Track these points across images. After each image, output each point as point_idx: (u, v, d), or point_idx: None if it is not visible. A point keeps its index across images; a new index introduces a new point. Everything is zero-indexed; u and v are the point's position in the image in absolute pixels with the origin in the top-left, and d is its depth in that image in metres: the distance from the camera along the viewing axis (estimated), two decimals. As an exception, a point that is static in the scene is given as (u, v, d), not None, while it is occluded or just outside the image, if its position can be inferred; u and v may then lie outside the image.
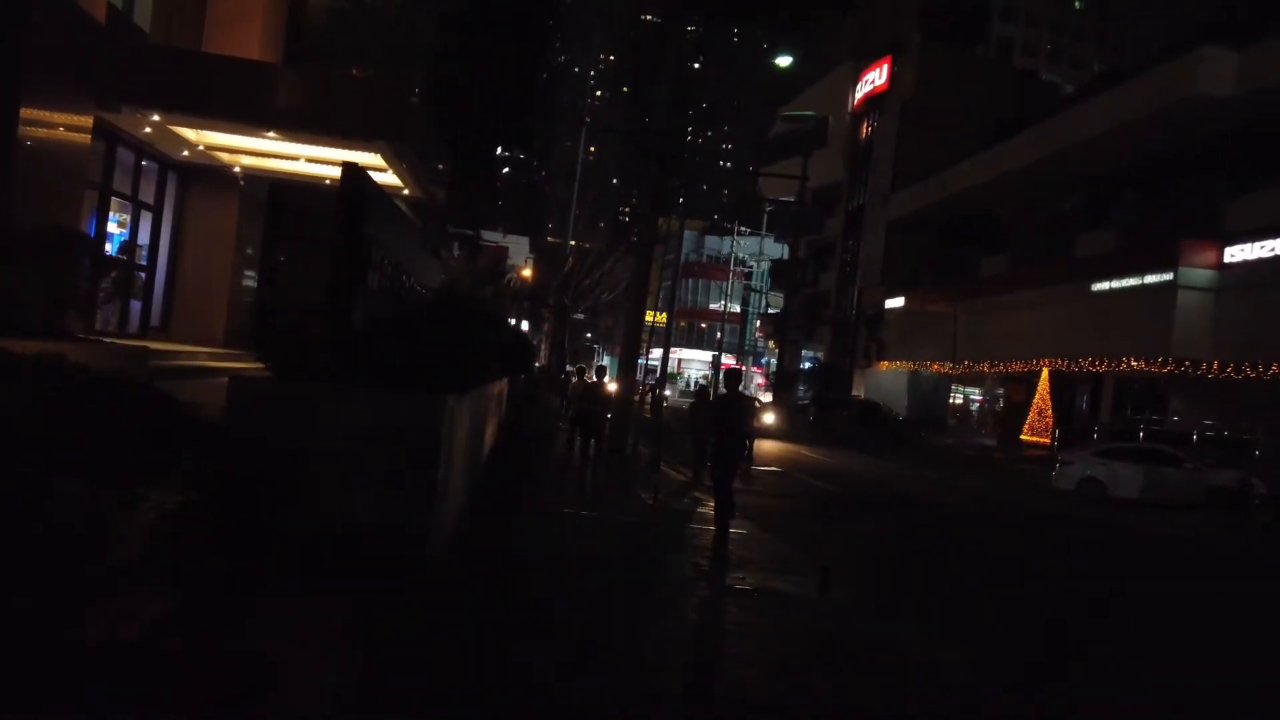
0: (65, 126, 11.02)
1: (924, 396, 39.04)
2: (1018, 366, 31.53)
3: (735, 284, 58.80)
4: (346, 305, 6.69)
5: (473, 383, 8.13)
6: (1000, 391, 37.81)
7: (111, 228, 14.89)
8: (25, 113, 9.96)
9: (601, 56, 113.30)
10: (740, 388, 10.54)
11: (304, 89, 13.17)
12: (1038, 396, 32.53)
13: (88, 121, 11.50)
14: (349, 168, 6.71)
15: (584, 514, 10.62)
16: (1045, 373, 31.95)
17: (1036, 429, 32.60)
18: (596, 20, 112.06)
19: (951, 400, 39.97)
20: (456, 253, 47.20)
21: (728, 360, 58.53)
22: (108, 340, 10.67)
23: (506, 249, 59.65)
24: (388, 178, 15.15)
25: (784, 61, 35.17)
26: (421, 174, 15.37)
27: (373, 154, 13.61)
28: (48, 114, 10.57)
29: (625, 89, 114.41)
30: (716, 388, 51.00)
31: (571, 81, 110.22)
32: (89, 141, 11.58)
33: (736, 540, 9.54)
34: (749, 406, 10.09)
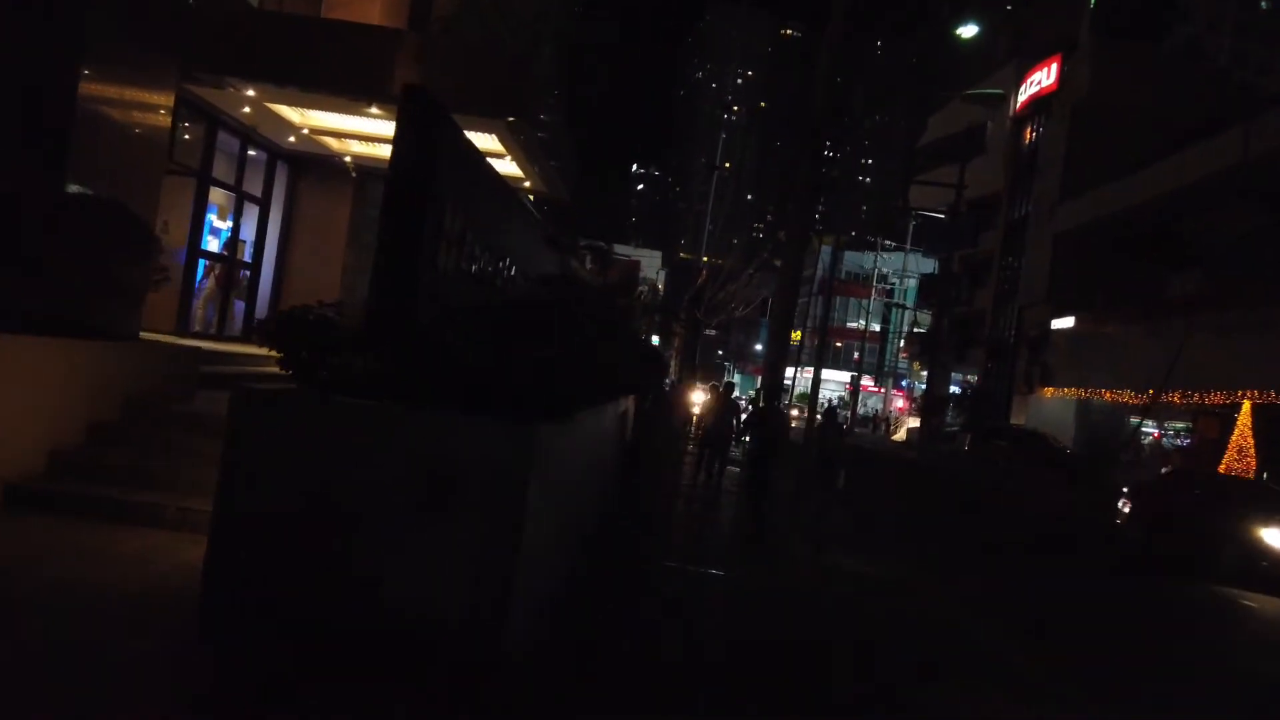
0: (141, 99, 9.57)
1: (1094, 428, 34.65)
2: (1217, 398, 27.13)
3: (875, 302, 55.21)
4: (403, 290, 4.60)
5: (584, 403, 5.93)
6: (1182, 425, 33.14)
7: (214, 220, 13.64)
8: (87, 85, 8.46)
9: (739, 71, 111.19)
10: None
11: (411, 57, 11.42)
12: (1237, 433, 27.92)
13: (169, 95, 10.03)
14: (411, 93, 4.63)
15: (721, 576, 8.25)
16: (1247, 406, 27.38)
17: (1235, 471, 28.00)
18: (735, 36, 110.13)
19: (1140, 434, 35.40)
20: (589, 265, 45.93)
21: (866, 382, 54.90)
22: (165, 341, 9.08)
23: (639, 262, 58.13)
24: (508, 166, 13.30)
25: (968, 32, 31.75)
26: (544, 164, 13.43)
27: (489, 135, 11.74)
28: (118, 83, 9.10)
29: (762, 104, 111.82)
30: (852, 409, 47.52)
31: (708, 96, 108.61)
32: (168, 118, 10.12)
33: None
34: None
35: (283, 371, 4.68)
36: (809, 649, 6.20)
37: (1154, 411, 33.07)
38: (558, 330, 5.04)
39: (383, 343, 4.56)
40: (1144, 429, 35.69)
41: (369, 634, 4.27)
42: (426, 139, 4.62)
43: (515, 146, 12.11)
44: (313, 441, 4.39)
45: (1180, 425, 34.31)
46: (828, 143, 14.10)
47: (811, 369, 43.11)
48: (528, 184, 14.06)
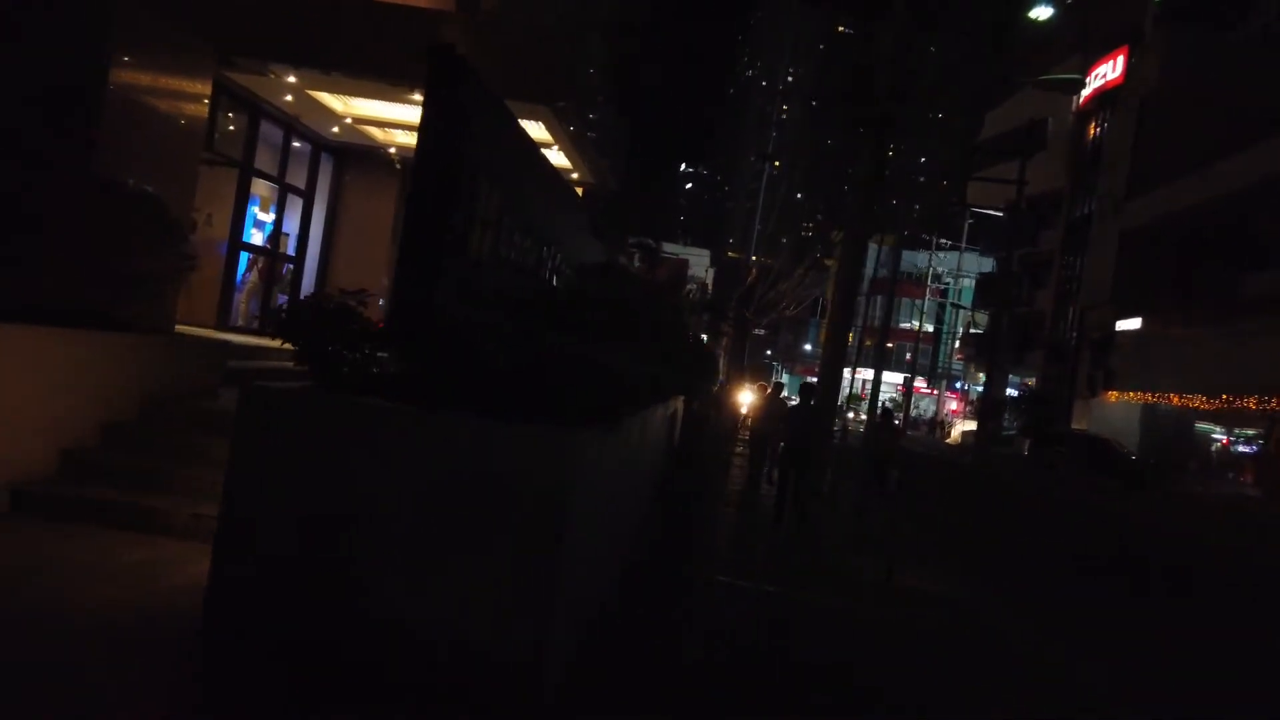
0: (176, 85, 9.17)
1: (1160, 434, 33.10)
2: (1296, 404, 25.63)
3: (929, 302, 53.78)
4: (428, 278, 4.02)
5: (631, 407, 5.31)
6: (1253, 432, 31.49)
7: (257, 213, 13.30)
8: (118, 70, 8.05)
9: (791, 69, 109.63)
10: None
11: (457, 40, 10.89)
12: (1317, 441, 26.44)
13: (205, 80, 9.63)
14: (437, 53, 4.05)
15: (778, 595, 7.56)
16: (1329, 413, 25.90)
17: (1314, 481, 26.49)
18: (786, 33, 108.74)
19: (1210, 440, 33.79)
20: (637, 263, 45.29)
21: (918, 383, 53.55)
22: (194, 334, 8.66)
23: (687, 261, 57.40)
24: (556, 157, 12.73)
25: (1043, 13, 30.43)
26: (592, 154, 12.83)
27: (536, 122, 11.18)
28: (151, 68, 8.69)
29: (814, 103, 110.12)
30: (904, 410, 46.31)
31: (758, 95, 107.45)
32: (205, 105, 9.71)
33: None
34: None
35: (298, 368, 4.13)
36: (890, 693, 5.50)
37: (1223, 417, 31.49)
38: (604, 329, 4.43)
39: (406, 337, 3.99)
40: (1211, 435, 34.07)
41: (384, 665, 3.70)
42: (455, 104, 4.03)
43: (562, 135, 11.53)
44: (325, 447, 3.83)
45: (1250, 432, 32.68)
46: (890, 127, 13.22)
47: (862, 370, 41.90)
48: (576, 175, 13.49)
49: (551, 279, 5.96)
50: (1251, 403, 26.53)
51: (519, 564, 3.68)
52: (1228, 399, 27.54)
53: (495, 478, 3.71)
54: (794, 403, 16.17)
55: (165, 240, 6.65)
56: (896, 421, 15.01)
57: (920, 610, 7.78)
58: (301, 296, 14.10)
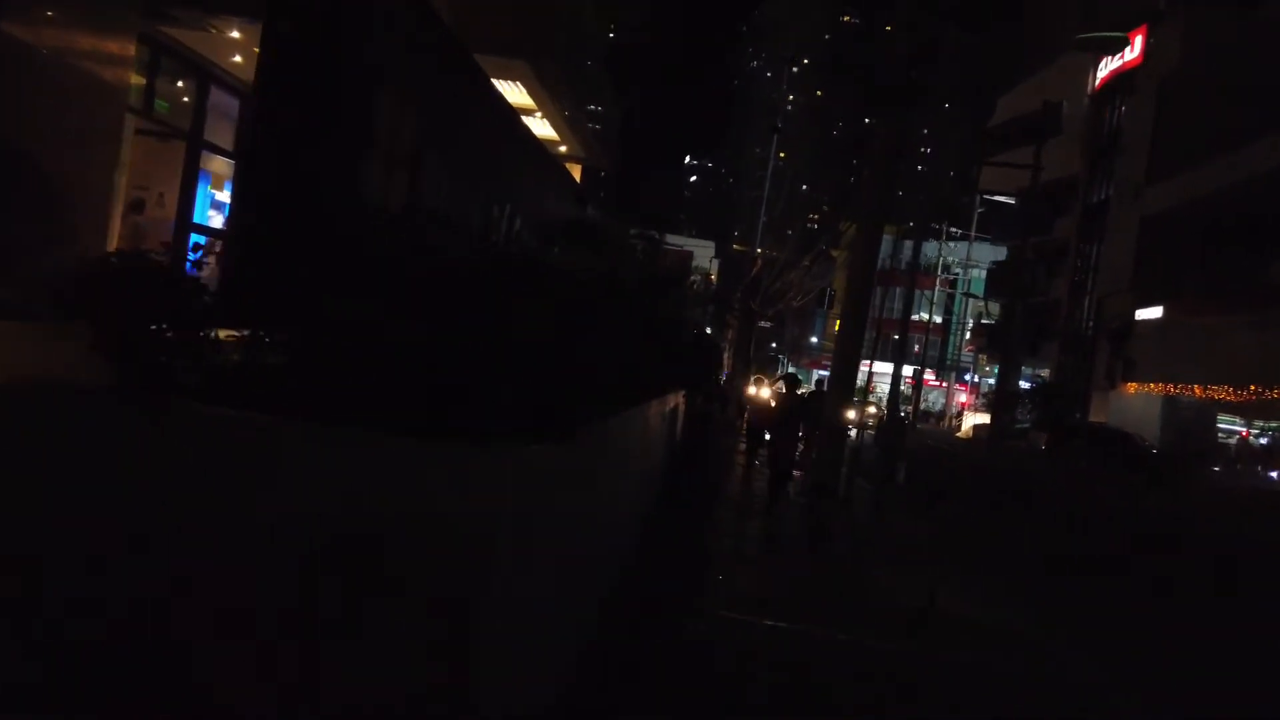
0: (90, 38, 7.82)
1: (1182, 426, 31.61)
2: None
3: (939, 293, 52.28)
4: (283, 231, 2.67)
5: (604, 407, 3.97)
6: (1273, 424, 30.02)
7: (212, 191, 11.96)
8: (9, 23, 6.68)
9: (796, 60, 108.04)
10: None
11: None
12: (1352, 434, 24.95)
13: (128, 35, 8.25)
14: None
15: (801, 633, 6.21)
16: (1363, 405, 24.42)
17: (1350, 475, 25.02)
18: (791, 23, 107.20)
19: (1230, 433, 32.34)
20: (640, 255, 43.90)
21: (927, 375, 52.05)
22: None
23: (691, 253, 56.02)
24: (541, 128, 11.39)
25: None
26: (581, 122, 11.47)
27: (515, 84, 9.84)
28: (58, 19, 7.33)
29: (819, 93, 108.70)
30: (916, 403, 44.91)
31: (763, 86, 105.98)
32: (130, 63, 8.34)
33: None
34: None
35: (101, 356, 2.79)
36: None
37: (1251, 409, 30.02)
38: (572, 309, 3.10)
39: (251, 315, 2.66)
40: (1230, 427, 32.59)
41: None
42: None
43: (545, 98, 10.18)
44: (127, 473, 2.52)
45: (1268, 426, 31.18)
46: (914, 97, 11.86)
47: (873, 363, 40.46)
48: (564, 149, 12.15)
49: (505, 244, 4.62)
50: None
51: (426, 640, 2.36)
52: (1257, 390, 26.06)
53: (388, 518, 2.40)
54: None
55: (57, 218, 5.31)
56: (903, 415, 14.82)
57: (977, 648, 6.43)
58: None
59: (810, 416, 12.70)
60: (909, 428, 28.07)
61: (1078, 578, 10.18)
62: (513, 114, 5.37)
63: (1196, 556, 13.39)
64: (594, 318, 3.17)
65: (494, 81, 10.05)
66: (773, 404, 13.81)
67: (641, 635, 5.43)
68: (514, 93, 10.07)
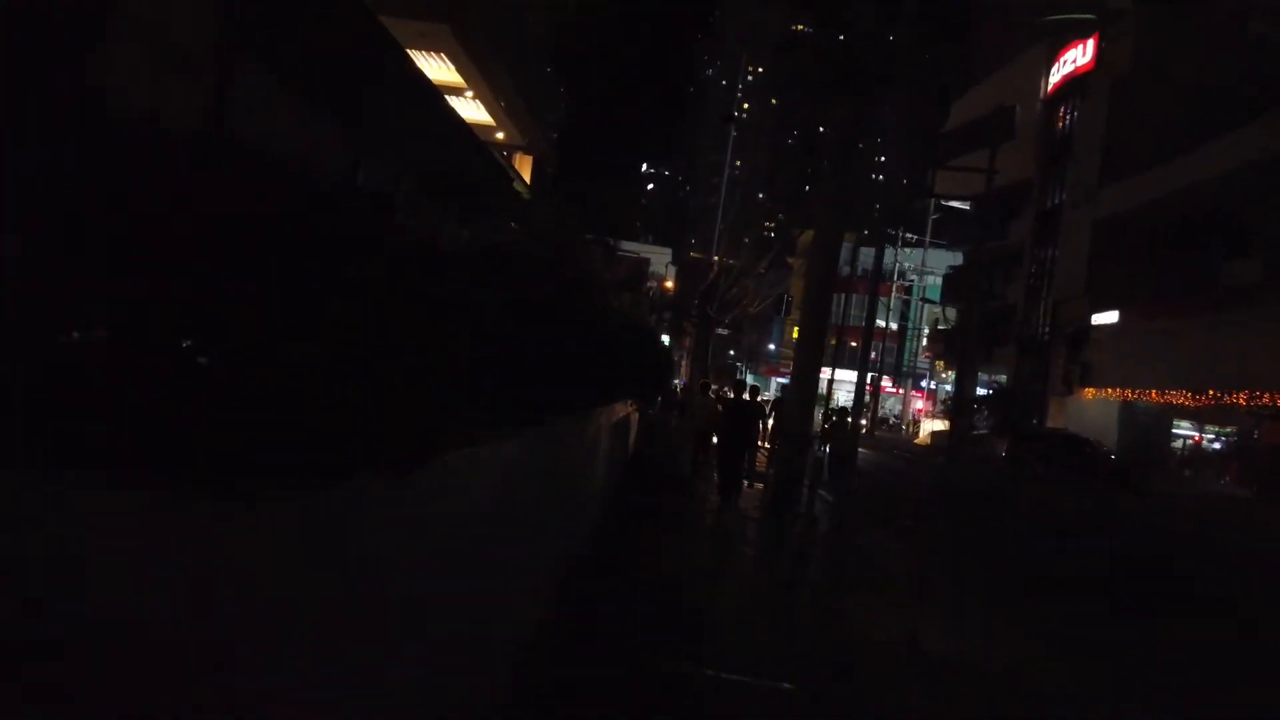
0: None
1: (1139, 432, 31.37)
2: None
3: (894, 299, 51.99)
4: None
5: (498, 420, 2.88)
6: (1227, 429, 29.84)
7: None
8: None
9: (750, 69, 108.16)
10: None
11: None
12: (1308, 438, 24.72)
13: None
14: None
15: (755, 688, 5.15)
16: (1320, 408, 24.18)
17: (1306, 479, 24.76)
18: (745, 33, 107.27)
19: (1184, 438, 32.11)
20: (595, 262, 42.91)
21: (884, 383, 51.67)
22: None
23: (648, 260, 55.14)
24: (474, 111, 10.28)
25: None
26: (513, 101, 10.36)
27: (438, 57, 8.71)
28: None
29: (774, 101, 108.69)
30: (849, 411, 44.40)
31: (719, 94, 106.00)
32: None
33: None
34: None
35: None
36: None
37: (1208, 414, 29.81)
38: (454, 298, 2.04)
39: None
40: (1183, 433, 32.42)
41: None
42: None
43: (475, 74, 9.07)
44: None
45: (1223, 430, 31.04)
46: (870, 85, 10.99)
47: (833, 370, 39.82)
48: (501, 135, 11.04)
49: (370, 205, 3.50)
50: (1241, 398, 24.75)
51: None
52: (1215, 395, 25.76)
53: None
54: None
55: None
56: (850, 420, 14.58)
57: (973, 701, 5.43)
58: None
59: (754, 423, 12.47)
60: (862, 433, 27.32)
61: (1064, 600, 9.29)
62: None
63: (1182, 575, 12.65)
64: (456, 303, 2.09)
65: (416, 56, 8.96)
66: (720, 409, 12.99)
67: (584, 658, 4.35)
68: (439, 69, 8.96)
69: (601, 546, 7.46)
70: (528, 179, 19.64)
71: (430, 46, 8.46)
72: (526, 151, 12.34)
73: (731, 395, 13.39)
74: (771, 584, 8.10)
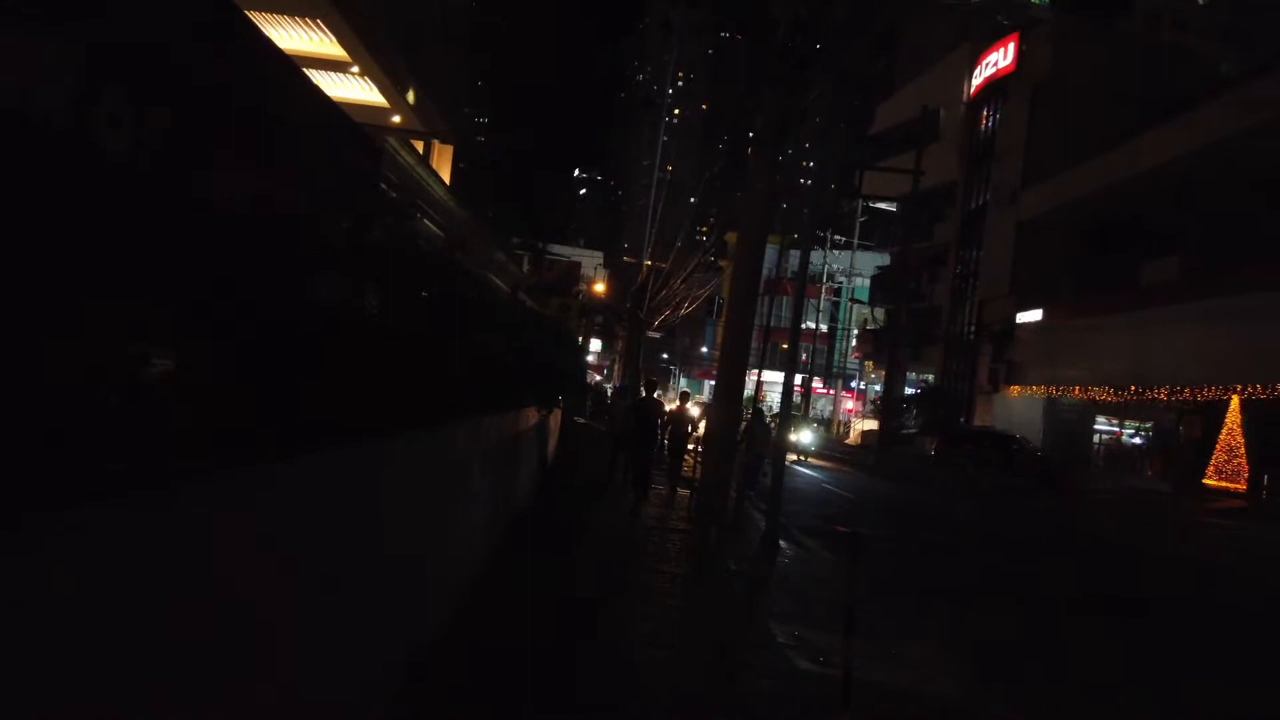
0: None
1: (1063, 428, 31.65)
2: (1208, 393, 24.12)
3: (823, 300, 52.05)
4: None
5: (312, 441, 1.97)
6: (1147, 425, 30.30)
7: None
8: None
9: (680, 74, 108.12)
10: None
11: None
12: (1225, 431, 25.03)
13: None
14: None
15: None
16: (1236, 402, 24.52)
17: (1225, 472, 25.08)
18: (674, 39, 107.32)
19: (1104, 434, 32.48)
20: (526, 267, 41.84)
21: (814, 384, 51.63)
22: None
23: (579, 264, 54.28)
24: (363, 92, 9.29)
25: None
26: (405, 79, 9.39)
27: (316, 28, 7.72)
28: None
29: (704, 106, 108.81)
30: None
31: (649, 99, 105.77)
32: None
33: None
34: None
35: None
36: None
37: (1129, 410, 30.20)
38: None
39: None
40: (1104, 428, 32.86)
41: None
42: None
43: (360, 48, 8.09)
44: None
45: (1142, 426, 31.50)
46: (799, 68, 10.34)
47: (761, 371, 39.44)
48: (397, 119, 10.06)
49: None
50: (1163, 394, 24.98)
51: None
52: (1136, 390, 25.99)
53: None
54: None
55: None
56: (769, 421, 14.24)
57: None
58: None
59: (659, 420, 12.85)
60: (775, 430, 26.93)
61: (1006, 610, 8.71)
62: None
63: (1121, 580, 12.28)
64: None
65: (291, 24, 7.96)
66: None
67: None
68: (319, 42, 7.97)
69: (499, 569, 6.58)
70: (447, 176, 18.60)
71: (308, 13, 7.48)
72: (428, 137, 11.36)
73: (643, 394, 12.95)
74: (687, 608, 7.30)
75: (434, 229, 12.77)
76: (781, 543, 10.38)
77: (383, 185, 10.26)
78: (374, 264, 3.36)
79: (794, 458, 26.14)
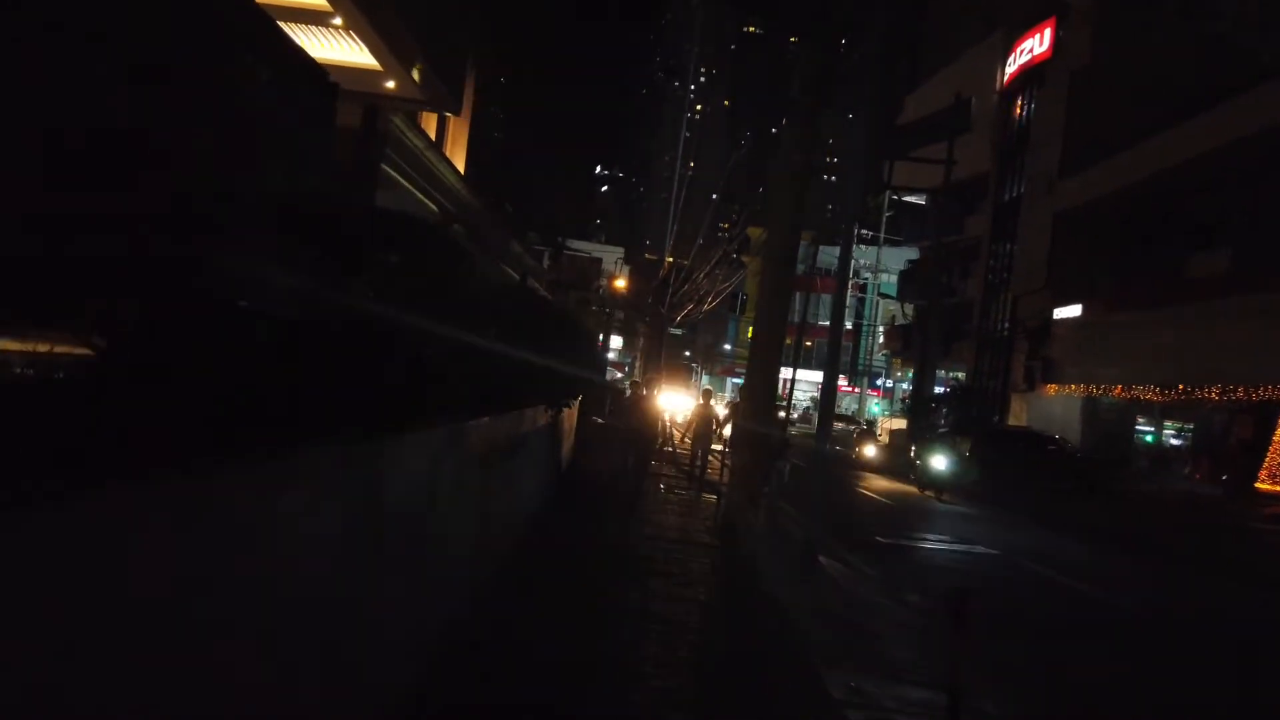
0: None
1: (1103, 428, 30.09)
2: (1263, 392, 22.56)
3: (850, 297, 50.60)
4: None
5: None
6: (1189, 425, 28.67)
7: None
8: None
9: (702, 70, 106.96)
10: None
11: None
12: (1280, 433, 23.48)
13: None
14: None
15: None
16: (1292, 401, 22.96)
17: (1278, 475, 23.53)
18: (696, 34, 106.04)
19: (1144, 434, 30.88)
20: (546, 263, 40.83)
21: (840, 381, 50.20)
22: None
23: (600, 260, 53.22)
24: (351, 51, 8.17)
25: None
26: (399, 36, 8.23)
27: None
28: None
29: (726, 103, 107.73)
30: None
31: (670, 96, 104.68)
32: None
33: None
34: None
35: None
36: None
37: (1175, 410, 28.62)
38: None
39: None
40: (1144, 429, 31.25)
41: None
42: None
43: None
44: None
45: (1184, 426, 29.88)
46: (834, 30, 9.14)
47: (795, 370, 38.25)
48: (391, 84, 8.93)
49: None
50: (1214, 393, 23.44)
51: None
52: (1185, 389, 24.45)
53: None
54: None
55: None
56: (783, 416, 13.60)
57: None
58: None
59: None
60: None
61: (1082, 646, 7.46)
62: None
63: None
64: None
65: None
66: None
67: None
68: (295, -14, 6.86)
69: (488, 611, 5.45)
70: (461, 164, 17.50)
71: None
72: (428, 107, 10.25)
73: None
74: (712, 646, 6.12)
75: (433, 207, 11.73)
76: (821, 558, 9.18)
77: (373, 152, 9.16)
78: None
79: (928, 494, 20.18)
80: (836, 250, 10.78)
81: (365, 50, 8.11)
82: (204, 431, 1.70)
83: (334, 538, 2.65)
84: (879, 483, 22.10)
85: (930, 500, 19.17)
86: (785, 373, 16.17)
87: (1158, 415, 30.08)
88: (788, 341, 25.75)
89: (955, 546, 12.27)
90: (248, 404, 1.88)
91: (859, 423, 44.22)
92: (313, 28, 7.38)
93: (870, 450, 31.20)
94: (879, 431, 41.22)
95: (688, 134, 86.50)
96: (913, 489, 21.27)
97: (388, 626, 3.34)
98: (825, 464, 11.03)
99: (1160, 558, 13.64)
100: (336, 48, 7.82)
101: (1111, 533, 16.00)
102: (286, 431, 2.06)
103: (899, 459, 28.89)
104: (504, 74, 27.50)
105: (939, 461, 20.29)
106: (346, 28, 7.56)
